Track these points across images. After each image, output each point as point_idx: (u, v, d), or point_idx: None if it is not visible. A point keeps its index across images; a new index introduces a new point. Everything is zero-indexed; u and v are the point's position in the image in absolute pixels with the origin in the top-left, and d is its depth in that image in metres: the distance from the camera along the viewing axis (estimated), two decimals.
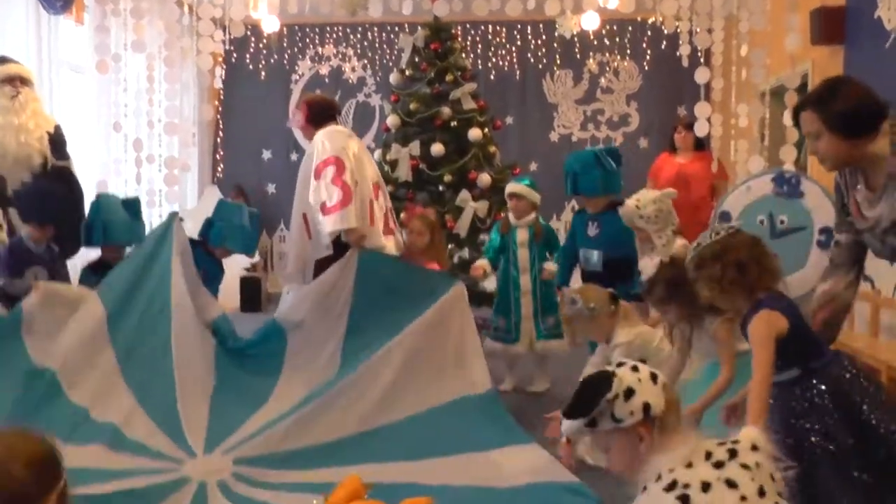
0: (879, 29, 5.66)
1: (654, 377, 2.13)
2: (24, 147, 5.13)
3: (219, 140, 10.53)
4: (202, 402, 4.41)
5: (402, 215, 5.72)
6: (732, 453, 2.02)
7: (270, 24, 8.48)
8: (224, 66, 9.79)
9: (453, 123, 6.79)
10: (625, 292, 4.82)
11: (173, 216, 4.98)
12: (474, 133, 6.73)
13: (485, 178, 6.61)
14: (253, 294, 9.62)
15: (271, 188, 10.46)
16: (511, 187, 5.80)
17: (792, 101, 6.46)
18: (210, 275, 5.23)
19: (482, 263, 5.67)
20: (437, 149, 6.64)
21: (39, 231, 4.89)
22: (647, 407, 2.07)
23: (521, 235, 5.68)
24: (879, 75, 5.74)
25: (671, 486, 1.98)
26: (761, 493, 1.97)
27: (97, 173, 7.00)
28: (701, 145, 7.41)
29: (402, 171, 6.62)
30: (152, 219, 6.45)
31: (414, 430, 4.40)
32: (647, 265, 4.48)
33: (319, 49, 10.50)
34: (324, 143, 4.78)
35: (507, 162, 7.32)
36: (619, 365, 2.18)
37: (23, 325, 4.41)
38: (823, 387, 2.69)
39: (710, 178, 7.33)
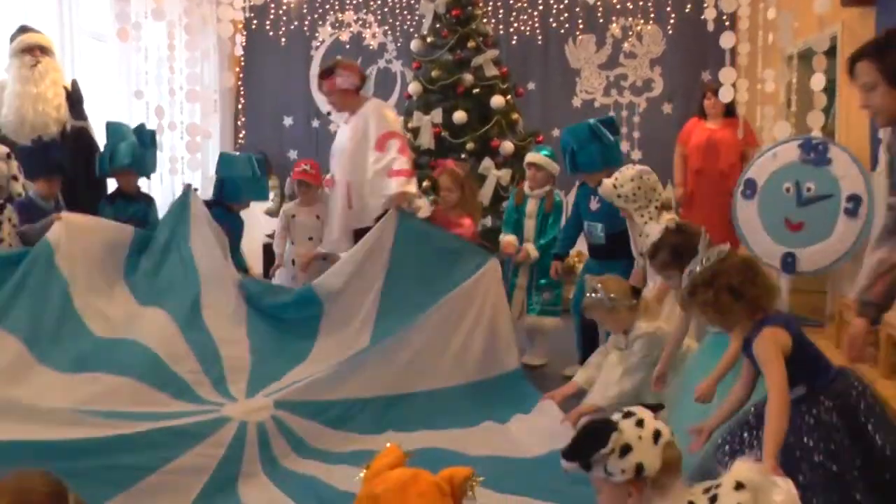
0: None
1: (656, 436, 2.12)
2: (41, 116, 5.24)
3: (240, 107, 10.50)
4: (243, 353, 4.52)
5: (434, 172, 5.76)
6: (713, 500, 2.04)
7: None
8: (244, 34, 9.76)
9: (475, 91, 6.74)
10: (624, 267, 4.87)
11: (188, 189, 5.02)
12: (497, 100, 6.68)
13: (507, 146, 6.56)
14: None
15: (293, 154, 10.42)
16: (531, 157, 5.73)
17: (821, 65, 6.35)
18: (232, 229, 5.37)
19: (511, 239, 5.60)
20: (459, 116, 6.60)
21: (47, 186, 4.90)
22: (640, 468, 2.08)
23: (531, 206, 5.61)
24: None
25: None
26: None
27: None
28: (731, 112, 7.31)
29: (424, 138, 6.59)
30: (175, 186, 6.47)
31: (443, 400, 4.51)
32: (654, 230, 4.44)
33: (340, 15, 10.41)
34: (384, 114, 4.87)
35: (530, 129, 7.25)
36: (627, 416, 2.17)
37: (55, 252, 4.47)
38: (830, 403, 2.66)
39: (739, 145, 7.25)
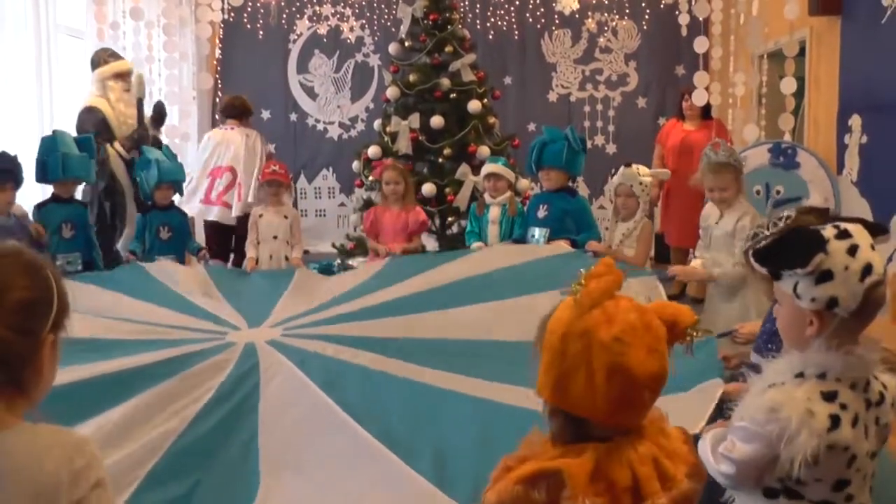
0: (877, 3, 5.66)
1: (866, 271, 1.78)
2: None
3: (217, 101, 10.49)
4: (219, 301, 4.58)
5: (374, 172, 6.00)
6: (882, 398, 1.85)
7: None
8: (222, 27, 9.75)
9: (452, 95, 6.81)
10: None
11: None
12: (474, 105, 6.76)
13: (484, 151, 6.64)
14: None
15: (271, 148, 10.44)
16: (488, 168, 5.72)
17: (790, 70, 6.50)
18: (175, 227, 5.70)
19: (479, 245, 5.63)
20: (436, 121, 6.67)
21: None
22: (832, 302, 1.78)
23: (494, 212, 5.60)
24: (876, 49, 5.78)
25: (831, 397, 1.78)
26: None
27: None
28: (708, 114, 7.45)
29: (401, 144, 6.66)
30: None
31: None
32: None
33: (317, 8, 10.41)
34: None
35: (507, 131, 7.35)
36: (842, 235, 1.80)
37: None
38: None
39: None
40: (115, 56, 6.59)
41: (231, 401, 3.24)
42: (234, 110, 7.27)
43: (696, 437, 2.25)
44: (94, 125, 6.21)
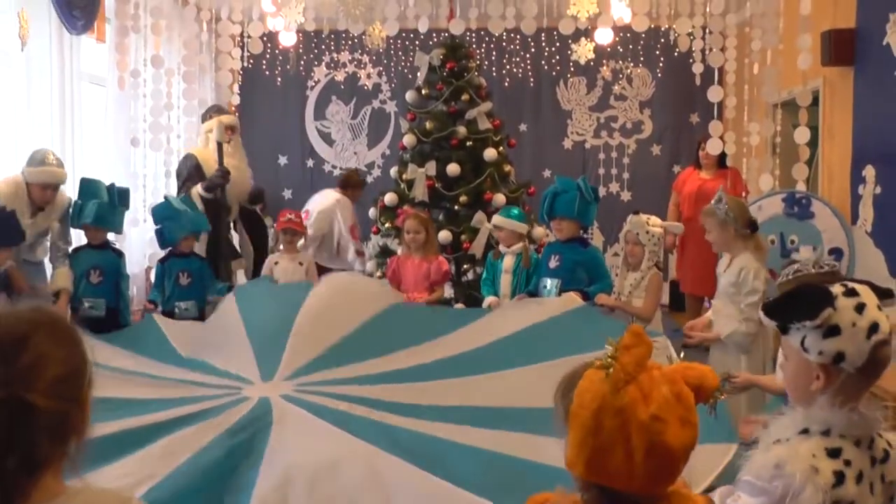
0: (889, 55, 5.71)
1: (873, 328, 1.82)
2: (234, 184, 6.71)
3: None
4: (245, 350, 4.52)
5: (398, 220, 6.04)
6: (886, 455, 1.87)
7: (288, 39, 8.58)
8: (241, 74, 9.90)
9: (468, 143, 6.87)
10: None
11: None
12: (489, 153, 6.81)
13: (500, 199, 6.68)
14: None
15: (287, 193, 10.55)
16: (494, 220, 5.79)
17: (804, 119, 6.54)
18: (195, 272, 5.72)
19: (494, 300, 5.63)
20: (452, 169, 6.72)
21: None
22: (839, 357, 1.82)
23: (508, 261, 5.61)
24: (888, 100, 5.82)
25: (835, 453, 1.80)
26: None
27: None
28: (724, 163, 7.49)
29: (418, 191, 6.72)
30: None
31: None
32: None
33: (335, 55, 10.56)
34: None
35: (522, 178, 7.39)
36: (850, 294, 1.85)
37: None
38: None
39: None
40: (221, 111, 7.14)
41: (239, 436, 3.38)
42: (342, 181, 8.23)
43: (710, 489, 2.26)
44: (187, 169, 6.82)
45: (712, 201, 4.60)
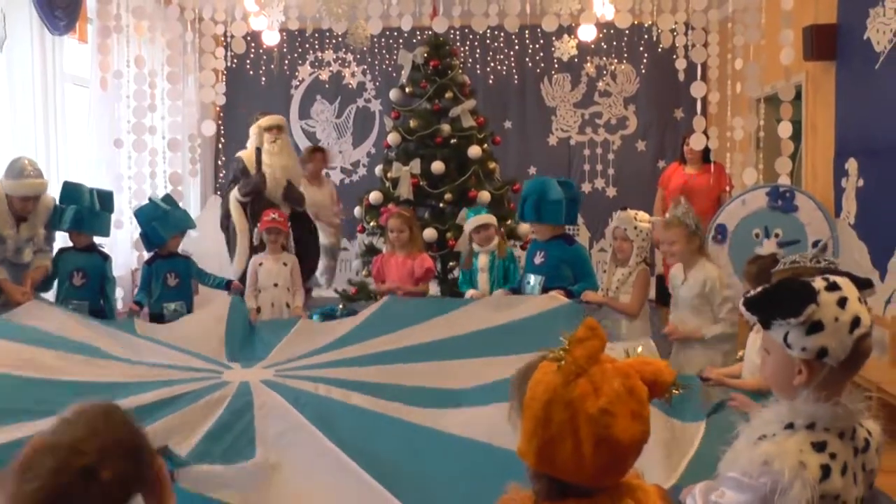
0: (870, 49, 5.74)
1: (855, 323, 1.83)
2: (276, 183, 6.64)
3: (220, 146, 10.57)
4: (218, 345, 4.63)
5: (381, 218, 6.04)
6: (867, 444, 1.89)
7: (271, 38, 8.56)
8: (225, 74, 9.87)
9: (453, 141, 6.86)
10: None
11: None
12: (474, 150, 6.81)
13: (484, 196, 6.69)
14: None
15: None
16: (477, 220, 5.68)
17: (787, 114, 6.57)
18: (182, 272, 5.71)
19: (474, 292, 5.58)
20: (437, 167, 6.72)
21: None
22: (822, 352, 1.83)
23: (482, 261, 5.61)
24: (870, 94, 5.86)
25: (821, 447, 1.82)
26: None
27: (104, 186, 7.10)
28: (708, 158, 7.52)
29: (402, 189, 6.71)
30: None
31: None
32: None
33: (319, 54, 10.55)
34: None
35: (507, 178, 7.39)
36: (832, 288, 1.86)
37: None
38: None
39: (714, 190, 7.45)
40: (266, 114, 7.12)
41: (226, 439, 3.31)
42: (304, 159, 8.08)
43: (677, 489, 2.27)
44: (233, 171, 6.90)
45: (676, 210, 4.59)
